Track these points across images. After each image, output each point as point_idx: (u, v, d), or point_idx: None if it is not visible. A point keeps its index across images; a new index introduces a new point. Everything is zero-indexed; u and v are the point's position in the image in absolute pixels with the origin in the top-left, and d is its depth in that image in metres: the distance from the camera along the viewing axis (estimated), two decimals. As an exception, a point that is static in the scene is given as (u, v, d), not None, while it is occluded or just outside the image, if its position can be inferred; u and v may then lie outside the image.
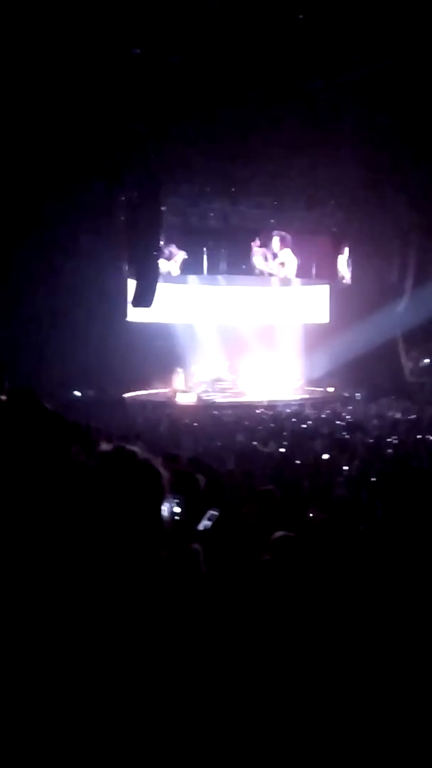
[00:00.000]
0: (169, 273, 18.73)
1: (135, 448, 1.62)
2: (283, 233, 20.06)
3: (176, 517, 2.28)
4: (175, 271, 19.17)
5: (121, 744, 1.32)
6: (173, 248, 18.90)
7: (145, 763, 1.33)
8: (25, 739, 1.29)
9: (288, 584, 2.50)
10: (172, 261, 19.08)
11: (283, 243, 20.18)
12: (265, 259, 20.27)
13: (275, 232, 19.95)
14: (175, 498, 2.13)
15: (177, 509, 2.28)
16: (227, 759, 1.58)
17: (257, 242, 19.85)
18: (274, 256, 20.30)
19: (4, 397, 3.03)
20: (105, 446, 1.75)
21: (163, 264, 17.94)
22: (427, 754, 2.07)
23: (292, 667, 2.19)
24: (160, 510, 1.58)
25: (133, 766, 1.33)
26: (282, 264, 20.48)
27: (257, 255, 20.08)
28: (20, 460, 1.80)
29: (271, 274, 20.58)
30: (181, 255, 19.07)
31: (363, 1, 9.60)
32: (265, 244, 20.10)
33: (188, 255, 19.15)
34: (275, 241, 20.14)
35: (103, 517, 1.49)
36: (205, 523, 2.51)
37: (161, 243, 17.30)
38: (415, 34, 10.30)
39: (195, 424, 14.43)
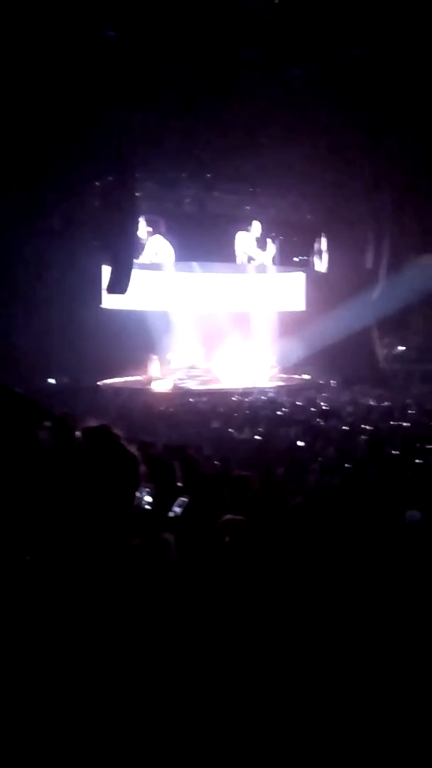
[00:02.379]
0: (148, 261, 18.73)
1: (117, 432, 1.60)
2: (260, 220, 20.14)
3: (147, 506, 2.28)
4: (153, 258, 19.13)
5: (94, 730, 1.32)
6: (152, 236, 18.91)
7: (121, 751, 1.33)
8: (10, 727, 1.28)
9: (241, 568, 2.51)
10: (149, 248, 19.05)
11: (263, 230, 20.24)
12: (244, 246, 20.33)
13: (255, 218, 20.01)
14: (147, 487, 2.13)
15: (149, 498, 2.28)
16: (201, 746, 1.59)
17: (239, 228, 19.93)
18: (255, 243, 20.36)
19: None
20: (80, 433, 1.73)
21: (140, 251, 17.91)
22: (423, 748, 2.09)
23: (263, 654, 2.20)
24: (133, 497, 1.56)
25: (110, 755, 1.33)
26: (260, 251, 20.53)
27: (238, 241, 20.10)
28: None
29: (250, 260, 20.61)
30: (158, 242, 19.05)
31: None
32: (245, 230, 20.14)
33: (163, 240, 19.15)
34: (255, 227, 20.16)
35: (75, 501, 1.48)
36: (175, 510, 2.52)
37: (136, 229, 17.20)
38: (390, 20, 10.29)
39: (171, 410, 14.42)
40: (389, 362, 21.40)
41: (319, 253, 21.04)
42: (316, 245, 21.02)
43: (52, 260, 16.46)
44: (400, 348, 22.62)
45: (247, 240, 20.43)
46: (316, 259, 21.07)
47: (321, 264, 21.05)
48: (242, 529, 2.62)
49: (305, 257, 21.01)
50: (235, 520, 2.67)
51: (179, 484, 3.26)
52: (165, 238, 19.60)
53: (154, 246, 19.46)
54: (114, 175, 13.97)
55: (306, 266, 21.22)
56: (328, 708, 2.13)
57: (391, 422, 12.23)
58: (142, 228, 18.43)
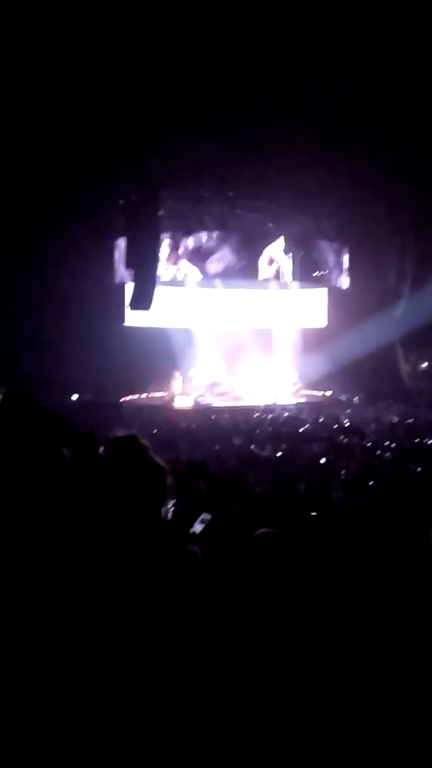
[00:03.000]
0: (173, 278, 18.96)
1: (145, 443, 1.60)
2: (283, 237, 20.23)
3: (174, 518, 2.28)
4: (177, 275, 19.36)
5: (115, 741, 1.32)
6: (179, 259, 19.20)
7: (140, 762, 1.33)
8: (21, 734, 1.29)
9: (273, 581, 2.49)
10: (174, 268, 19.28)
11: (285, 247, 20.32)
12: (269, 263, 20.40)
13: (278, 235, 20.11)
14: (173, 499, 2.13)
15: (175, 510, 2.28)
16: (223, 757, 1.58)
17: (262, 245, 20.06)
18: (273, 260, 20.45)
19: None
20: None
21: (164, 269, 18.10)
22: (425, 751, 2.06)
23: (286, 667, 2.19)
24: (161, 509, 1.57)
25: (129, 764, 1.32)
26: (282, 267, 20.60)
27: (264, 256, 20.21)
28: (12, 459, 1.80)
29: (276, 277, 20.69)
30: (185, 267, 19.33)
31: (360, 8, 9.63)
32: (267, 247, 20.29)
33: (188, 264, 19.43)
34: (278, 244, 20.25)
35: (103, 513, 1.48)
36: (196, 527, 2.52)
37: (159, 246, 17.35)
38: (411, 40, 10.34)
39: (193, 427, 14.42)
40: (413, 379, 21.24)
41: (341, 269, 21.02)
42: (337, 262, 21.01)
43: (75, 278, 16.63)
44: (425, 365, 22.43)
45: (274, 251, 20.49)
46: (337, 275, 21.05)
47: (343, 280, 21.03)
48: (278, 542, 2.61)
49: (324, 272, 20.97)
50: (271, 534, 2.66)
51: (203, 496, 3.26)
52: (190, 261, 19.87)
53: (182, 270, 19.72)
54: (138, 194, 14.11)
55: (326, 282, 21.19)
56: (356, 718, 2.11)
57: (415, 439, 12.12)
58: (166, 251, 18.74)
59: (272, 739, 1.84)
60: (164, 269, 18.92)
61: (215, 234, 19.74)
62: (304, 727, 1.97)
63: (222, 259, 20.05)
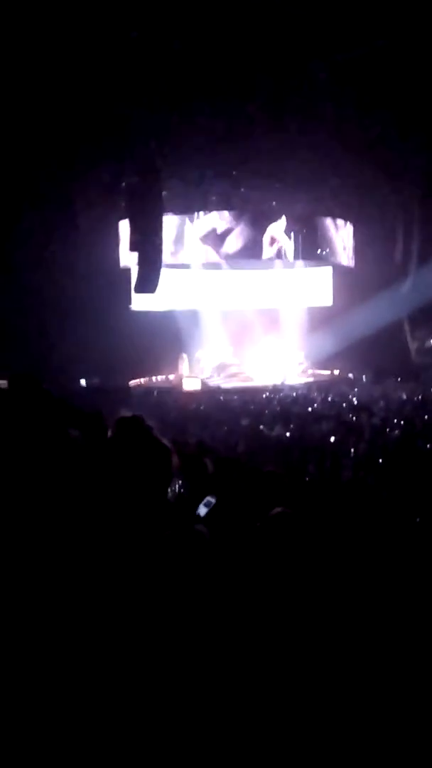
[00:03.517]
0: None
1: (150, 423, 1.60)
2: (284, 216, 20.06)
3: (180, 498, 2.28)
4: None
5: (120, 727, 1.32)
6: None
7: (144, 750, 1.33)
8: (22, 723, 1.29)
9: (287, 560, 2.49)
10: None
11: (288, 224, 20.16)
12: (271, 242, 20.26)
13: (281, 213, 19.95)
14: (179, 479, 2.13)
15: (181, 490, 2.28)
16: (226, 749, 1.58)
17: (266, 224, 19.93)
18: (274, 240, 20.31)
19: (4, 383, 3.03)
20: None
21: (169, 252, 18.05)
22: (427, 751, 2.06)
23: (293, 652, 2.19)
24: (167, 489, 1.56)
25: (132, 754, 1.33)
26: (284, 247, 20.45)
27: (266, 237, 20.08)
28: (20, 443, 1.80)
29: (278, 257, 20.55)
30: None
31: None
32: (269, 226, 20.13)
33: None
34: (280, 223, 20.09)
35: (108, 492, 1.48)
36: (201, 509, 2.51)
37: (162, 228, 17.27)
38: (418, 15, 10.17)
39: (201, 408, 14.44)
40: (421, 355, 21.15)
41: (345, 247, 20.87)
42: (342, 240, 20.85)
43: (80, 263, 16.59)
44: (432, 341, 22.32)
45: (276, 231, 20.34)
46: (342, 253, 20.90)
47: (348, 258, 20.89)
48: (294, 522, 2.60)
49: (326, 250, 20.77)
50: (286, 513, 2.65)
51: (210, 477, 3.26)
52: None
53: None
54: (140, 175, 14.02)
55: (331, 260, 21.03)
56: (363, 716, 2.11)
57: (425, 416, 12.09)
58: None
59: (276, 733, 1.84)
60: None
61: (227, 214, 19.60)
62: (311, 720, 1.98)
63: (239, 236, 19.90)
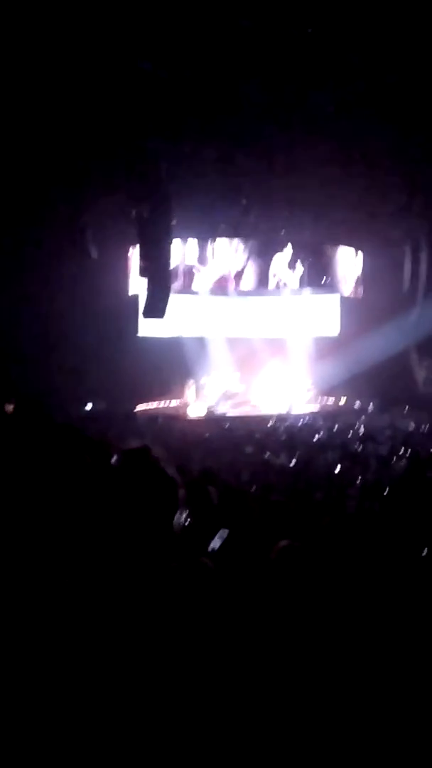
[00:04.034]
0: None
1: (157, 454, 1.58)
2: (292, 244, 20.21)
3: (185, 530, 2.24)
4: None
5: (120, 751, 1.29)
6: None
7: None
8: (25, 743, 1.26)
9: (294, 593, 2.45)
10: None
11: (296, 255, 20.29)
12: (274, 274, 20.43)
13: (289, 242, 20.09)
14: (185, 510, 2.10)
15: (187, 521, 2.24)
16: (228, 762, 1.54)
17: (274, 252, 20.07)
18: (285, 265, 20.46)
19: (11, 407, 3.02)
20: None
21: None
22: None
23: (298, 681, 2.15)
24: (172, 519, 1.55)
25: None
26: (290, 272, 20.58)
27: (273, 265, 20.21)
28: (26, 471, 1.78)
29: (281, 284, 20.66)
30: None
31: (371, 15, 9.61)
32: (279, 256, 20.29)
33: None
34: (288, 251, 20.23)
35: (113, 524, 1.46)
36: (215, 543, 2.48)
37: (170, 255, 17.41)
38: (421, 47, 10.30)
39: (206, 435, 14.40)
40: (428, 386, 21.11)
41: (353, 276, 20.98)
42: (349, 269, 20.96)
43: (89, 288, 16.70)
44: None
45: (278, 262, 20.49)
46: (350, 282, 21.00)
47: (355, 287, 20.98)
48: (300, 555, 2.57)
49: (329, 278, 20.86)
50: (293, 546, 2.62)
51: (215, 508, 3.23)
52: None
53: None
54: (150, 204, 14.15)
55: (337, 289, 21.12)
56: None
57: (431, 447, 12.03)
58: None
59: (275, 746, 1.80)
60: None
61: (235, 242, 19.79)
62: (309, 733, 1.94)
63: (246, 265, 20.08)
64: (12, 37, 9.18)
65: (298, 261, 20.59)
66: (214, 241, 19.66)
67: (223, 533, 2.52)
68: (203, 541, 2.54)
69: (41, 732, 1.26)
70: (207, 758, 1.39)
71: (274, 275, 20.45)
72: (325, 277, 20.66)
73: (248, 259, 20.06)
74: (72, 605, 1.37)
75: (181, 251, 19.21)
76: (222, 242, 19.76)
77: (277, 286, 20.48)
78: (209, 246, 19.65)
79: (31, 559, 1.49)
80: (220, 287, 20.27)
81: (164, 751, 1.33)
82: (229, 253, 19.88)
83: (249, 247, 20.02)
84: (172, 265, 16.37)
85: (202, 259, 19.88)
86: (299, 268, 20.69)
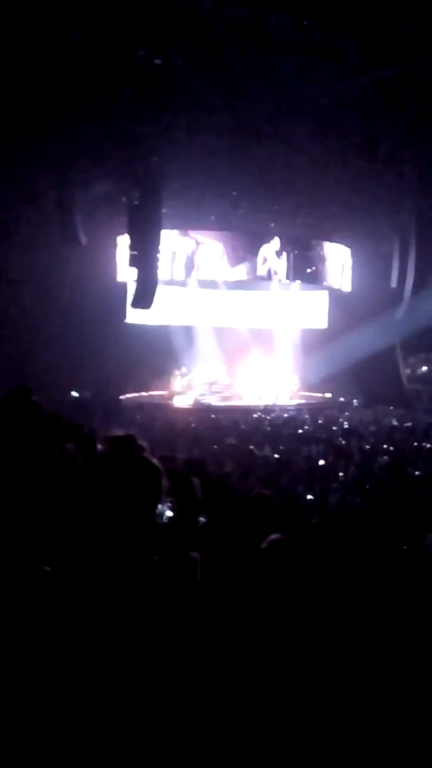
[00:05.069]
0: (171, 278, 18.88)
1: (142, 443, 1.57)
2: (278, 237, 20.16)
3: (168, 521, 2.25)
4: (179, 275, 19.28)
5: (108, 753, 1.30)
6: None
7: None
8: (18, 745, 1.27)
9: (282, 587, 2.47)
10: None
11: (283, 246, 20.22)
12: (263, 262, 20.33)
13: (278, 234, 20.02)
14: (168, 501, 2.11)
15: (169, 512, 2.25)
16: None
17: (263, 245, 19.99)
18: (265, 260, 20.39)
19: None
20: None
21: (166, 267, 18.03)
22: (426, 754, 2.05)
23: (287, 674, 2.17)
24: (155, 511, 1.54)
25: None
26: (273, 268, 20.52)
27: (260, 257, 20.14)
28: (9, 457, 1.78)
29: (268, 277, 20.61)
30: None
31: (367, 8, 9.59)
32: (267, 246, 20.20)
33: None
34: (275, 243, 20.17)
35: (96, 513, 1.46)
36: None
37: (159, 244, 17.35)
38: (417, 41, 10.30)
39: (192, 425, 14.41)
40: (413, 382, 21.24)
41: (342, 270, 20.98)
42: (340, 263, 20.96)
43: (77, 275, 16.60)
44: (424, 369, 22.44)
45: (267, 252, 20.42)
46: (337, 277, 20.99)
47: (343, 282, 20.99)
48: (288, 550, 2.59)
49: (313, 268, 20.78)
50: (282, 540, 2.64)
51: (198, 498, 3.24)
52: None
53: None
54: (140, 193, 14.09)
55: (326, 283, 21.09)
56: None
57: (414, 443, 12.11)
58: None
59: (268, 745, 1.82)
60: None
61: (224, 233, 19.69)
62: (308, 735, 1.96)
63: (235, 256, 19.95)
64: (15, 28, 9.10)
65: (284, 253, 20.51)
66: (204, 231, 19.54)
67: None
68: (185, 532, 2.55)
69: (28, 724, 1.27)
70: (193, 746, 1.40)
71: (265, 261, 20.35)
72: (311, 268, 20.56)
73: (237, 250, 19.94)
74: (55, 595, 1.37)
75: (171, 241, 19.10)
76: (211, 233, 19.65)
77: (268, 274, 20.38)
78: (199, 236, 19.53)
79: (13, 548, 1.50)
80: (209, 277, 20.18)
81: (149, 742, 1.34)
82: (218, 244, 19.77)
83: (238, 239, 19.91)
84: (160, 256, 16.31)
85: (191, 251, 19.75)
86: (284, 259, 20.60)
